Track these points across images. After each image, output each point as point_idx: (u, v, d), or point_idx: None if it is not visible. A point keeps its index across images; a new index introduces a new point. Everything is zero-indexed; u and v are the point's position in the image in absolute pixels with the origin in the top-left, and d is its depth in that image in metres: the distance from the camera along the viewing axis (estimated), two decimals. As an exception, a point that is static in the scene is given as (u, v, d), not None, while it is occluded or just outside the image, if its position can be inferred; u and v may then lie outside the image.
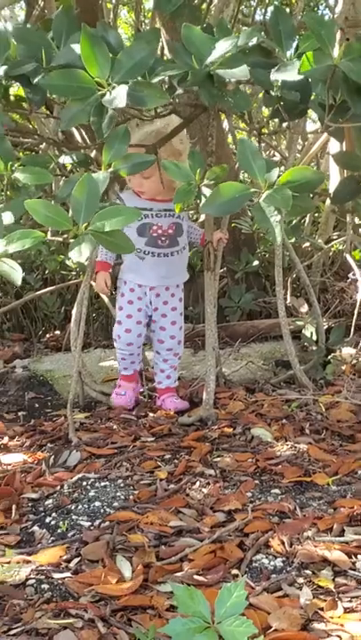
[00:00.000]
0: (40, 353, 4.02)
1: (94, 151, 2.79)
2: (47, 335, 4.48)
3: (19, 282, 1.58)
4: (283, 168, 2.94)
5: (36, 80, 2.09)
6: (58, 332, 4.47)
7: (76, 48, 1.95)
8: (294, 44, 2.08)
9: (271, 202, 1.84)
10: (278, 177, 1.91)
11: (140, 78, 2.01)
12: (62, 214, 1.72)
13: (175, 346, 3.01)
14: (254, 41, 2.12)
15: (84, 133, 3.87)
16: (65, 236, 1.74)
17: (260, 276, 4.32)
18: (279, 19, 2.10)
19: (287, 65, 1.99)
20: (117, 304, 3.00)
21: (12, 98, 2.43)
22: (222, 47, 2.00)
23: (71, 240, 1.72)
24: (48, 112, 2.96)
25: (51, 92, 2.16)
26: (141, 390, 3.10)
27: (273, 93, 2.14)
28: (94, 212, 1.74)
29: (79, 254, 1.67)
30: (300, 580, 1.63)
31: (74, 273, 4.44)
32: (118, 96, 1.88)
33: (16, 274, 1.58)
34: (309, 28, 1.89)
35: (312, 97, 2.14)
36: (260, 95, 2.53)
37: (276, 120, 2.76)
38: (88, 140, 3.66)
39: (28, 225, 1.74)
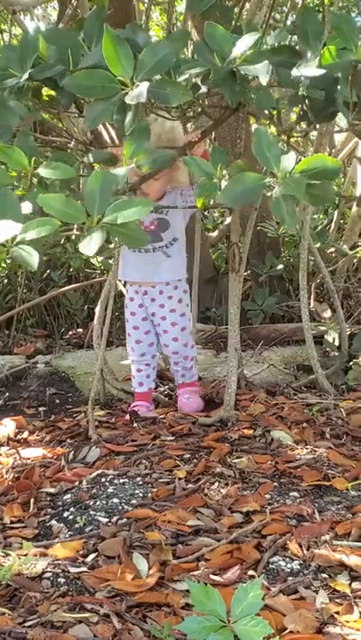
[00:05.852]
0: (62, 349, 4.04)
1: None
2: (70, 332, 4.52)
3: (35, 266, 1.57)
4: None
5: (62, 83, 2.10)
6: (80, 330, 4.50)
7: (105, 49, 1.95)
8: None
9: (285, 189, 1.80)
10: (294, 166, 1.87)
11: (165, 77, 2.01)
12: (76, 207, 1.69)
13: (180, 348, 2.93)
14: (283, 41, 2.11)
15: (112, 133, 3.89)
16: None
17: (284, 280, 4.32)
18: (307, 19, 2.08)
19: (308, 60, 1.97)
20: (125, 316, 2.98)
21: (44, 97, 2.43)
22: (244, 44, 1.98)
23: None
24: (78, 111, 2.97)
25: (76, 93, 2.16)
26: (153, 409, 2.97)
27: (299, 93, 2.11)
28: (108, 204, 1.71)
29: (88, 247, 1.64)
30: (317, 584, 1.63)
31: (98, 271, 4.46)
32: (140, 92, 1.88)
33: (32, 258, 1.56)
34: (332, 24, 1.86)
35: (339, 99, 2.11)
36: (285, 102, 2.51)
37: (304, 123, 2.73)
38: (116, 140, 3.67)
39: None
